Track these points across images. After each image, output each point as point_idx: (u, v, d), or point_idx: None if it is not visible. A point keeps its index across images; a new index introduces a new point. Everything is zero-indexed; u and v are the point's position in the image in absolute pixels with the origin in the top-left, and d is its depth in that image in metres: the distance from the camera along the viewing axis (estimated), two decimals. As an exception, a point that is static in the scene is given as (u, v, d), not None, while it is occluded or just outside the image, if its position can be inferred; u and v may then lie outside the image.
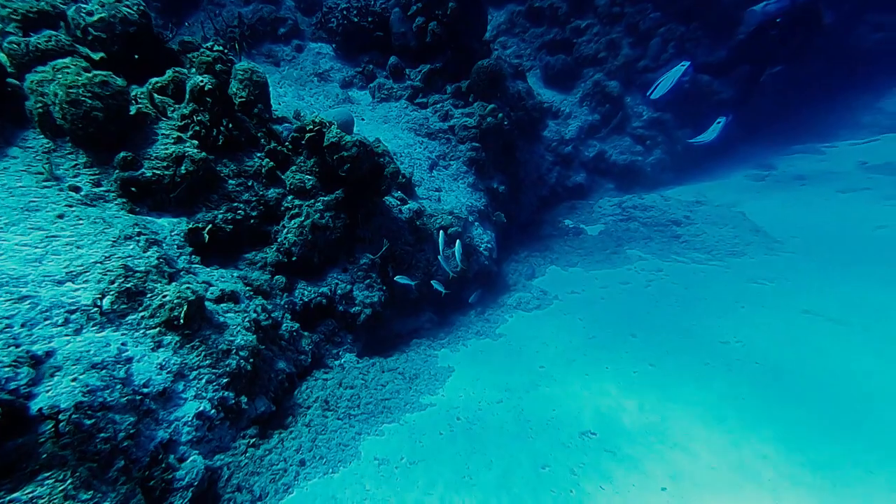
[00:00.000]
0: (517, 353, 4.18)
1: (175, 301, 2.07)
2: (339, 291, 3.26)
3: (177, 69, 2.97)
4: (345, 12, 4.50)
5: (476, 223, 5.36)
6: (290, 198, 3.27)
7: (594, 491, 2.42)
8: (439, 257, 4.07)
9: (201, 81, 2.72)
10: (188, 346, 2.12)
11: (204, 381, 2.10)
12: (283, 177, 3.26)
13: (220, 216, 2.81)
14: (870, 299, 4.54)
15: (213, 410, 2.08)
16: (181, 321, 2.07)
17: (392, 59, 4.87)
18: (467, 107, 5.67)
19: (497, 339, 4.48)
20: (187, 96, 2.77)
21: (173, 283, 2.20)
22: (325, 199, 3.34)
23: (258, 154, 3.19)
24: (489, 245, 5.36)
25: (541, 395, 3.42)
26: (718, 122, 7.80)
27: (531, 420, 3.07)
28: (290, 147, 3.32)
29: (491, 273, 5.47)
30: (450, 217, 4.83)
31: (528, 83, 7.52)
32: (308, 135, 3.18)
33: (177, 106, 2.84)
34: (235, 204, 2.94)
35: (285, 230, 3.22)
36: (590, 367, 3.82)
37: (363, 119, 4.55)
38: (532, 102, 7.44)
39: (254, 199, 3.06)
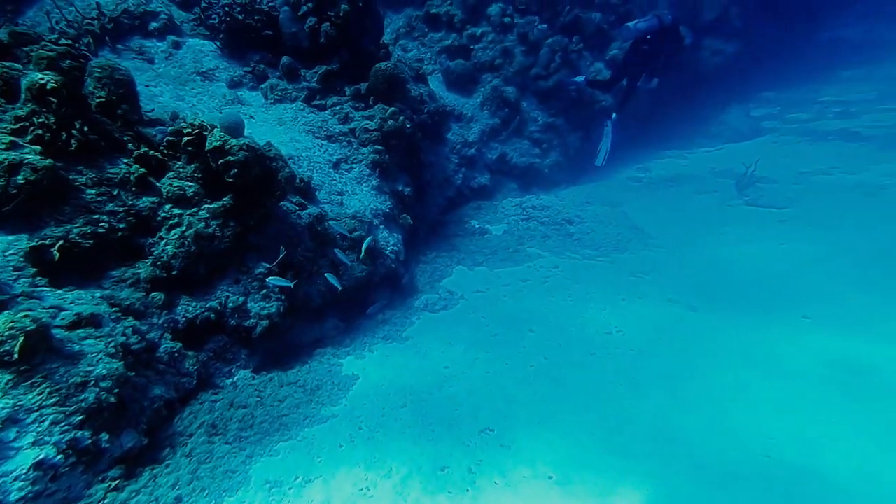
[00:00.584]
0: (423, 355, 4.23)
1: (5, 333, 1.79)
2: (230, 304, 3.05)
3: (6, 64, 2.57)
4: (227, 9, 4.19)
5: (381, 226, 5.32)
6: (167, 207, 2.99)
7: (488, 486, 2.52)
8: (335, 250, 3.99)
9: (41, 79, 2.38)
10: (25, 384, 1.84)
11: (48, 423, 1.84)
12: (157, 184, 2.98)
13: (76, 230, 2.49)
14: (719, 286, 5.22)
15: (58, 456, 1.83)
16: (14, 356, 1.79)
17: (285, 60, 4.65)
18: (368, 109, 5.60)
19: (404, 342, 4.49)
20: (23, 95, 2.41)
21: (4, 313, 1.90)
22: (212, 206, 3.11)
23: (125, 160, 2.87)
24: (395, 248, 5.35)
25: (445, 395, 3.49)
26: (606, 126, 8.56)
27: (434, 423, 3.12)
28: (165, 152, 3.04)
29: (398, 275, 5.46)
30: (353, 221, 4.74)
31: (430, 86, 7.61)
32: (186, 138, 2.94)
33: (9, 107, 2.46)
34: (97, 216, 2.63)
35: (163, 242, 2.95)
36: (491, 364, 3.97)
37: (254, 120, 4.30)
38: (435, 105, 7.54)
39: (121, 209, 2.75)
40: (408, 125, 6.14)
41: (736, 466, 2.76)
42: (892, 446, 2.88)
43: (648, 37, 7.74)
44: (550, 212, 7.71)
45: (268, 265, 3.39)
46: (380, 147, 5.52)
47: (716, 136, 10.34)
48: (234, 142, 2.96)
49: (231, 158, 2.95)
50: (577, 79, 8.58)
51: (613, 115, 8.53)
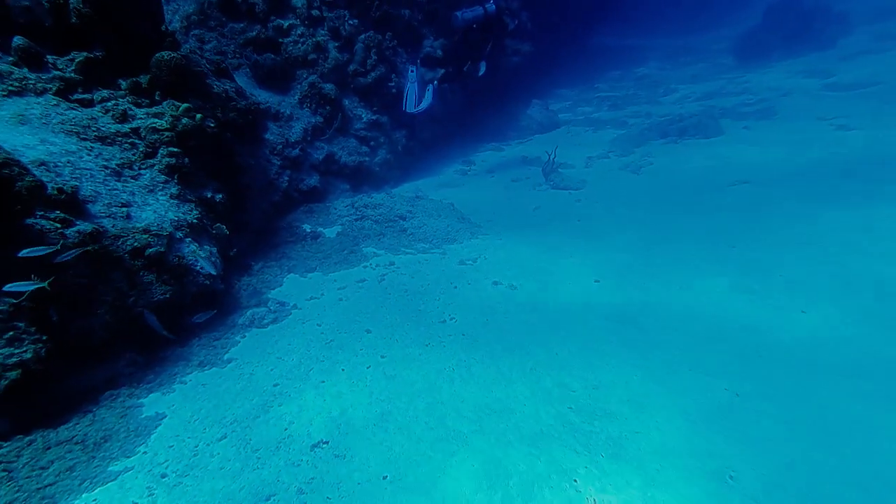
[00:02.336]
0: (249, 376, 3.82)
1: None
2: (-55, 364, 2.28)
3: None
4: None
5: (188, 239, 4.64)
6: None
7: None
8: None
9: None
10: None
11: None
12: None
13: None
14: (534, 265, 5.82)
15: None
16: None
17: (19, 41, 3.65)
18: (155, 105, 4.83)
19: (226, 365, 4.01)
20: None
21: None
22: None
23: None
24: (206, 262, 4.72)
25: (273, 416, 3.19)
26: (411, 72, 8.77)
27: (259, 448, 2.81)
28: None
29: (216, 292, 4.86)
30: (145, 236, 4.03)
31: (236, 82, 6.93)
32: None
33: None
34: None
35: None
36: (325, 373, 3.77)
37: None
38: (245, 103, 6.89)
39: None
40: (210, 124, 5.49)
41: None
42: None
43: (475, 25, 8.26)
44: (383, 209, 7.72)
45: (13, 300, 2.65)
46: (175, 149, 4.80)
47: (524, 129, 11.57)
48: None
49: (-76, 167, 2.20)
50: (410, 69, 8.65)
51: (435, 82, 8.79)
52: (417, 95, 8.70)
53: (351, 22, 8.21)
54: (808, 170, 7.62)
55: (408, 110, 8.71)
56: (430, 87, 8.78)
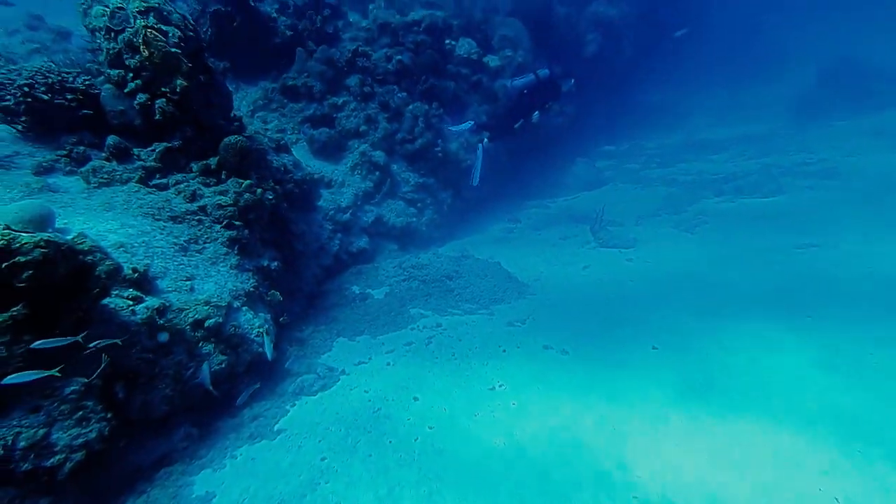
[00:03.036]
0: (297, 449, 3.81)
1: None
2: (20, 444, 2.43)
3: None
4: (26, 89, 3.65)
5: (244, 308, 4.86)
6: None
7: None
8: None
9: None
10: None
11: None
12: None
13: None
14: (587, 332, 5.60)
15: None
16: None
17: (112, 139, 4.16)
18: (220, 184, 5.25)
19: (275, 437, 4.03)
20: None
21: None
22: (-3, 320, 2.53)
23: None
24: (262, 329, 4.90)
25: (319, 496, 3.13)
26: (478, 149, 9.42)
27: (304, 534, 2.75)
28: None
29: (268, 362, 4.99)
30: (206, 308, 4.25)
31: (293, 156, 7.46)
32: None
33: None
34: None
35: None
36: (373, 447, 3.70)
37: (72, 208, 3.72)
38: (301, 174, 7.38)
39: None
40: (269, 196, 5.88)
41: None
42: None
43: (525, 91, 8.99)
44: (430, 269, 7.80)
45: (84, 380, 2.83)
46: (237, 222, 5.15)
47: (570, 186, 11.57)
48: (25, 238, 2.49)
49: (22, 259, 2.46)
50: (464, 125, 9.27)
51: (485, 139, 9.41)
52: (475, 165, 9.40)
53: (399, 95, 8.75)
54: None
55: (474, 184, 9.42)
56: (480, 146, 9.30)
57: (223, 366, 4.17)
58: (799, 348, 4.76)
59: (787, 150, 12.77)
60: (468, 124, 9.42)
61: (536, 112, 9.30)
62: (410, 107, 8.83)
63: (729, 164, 12.02)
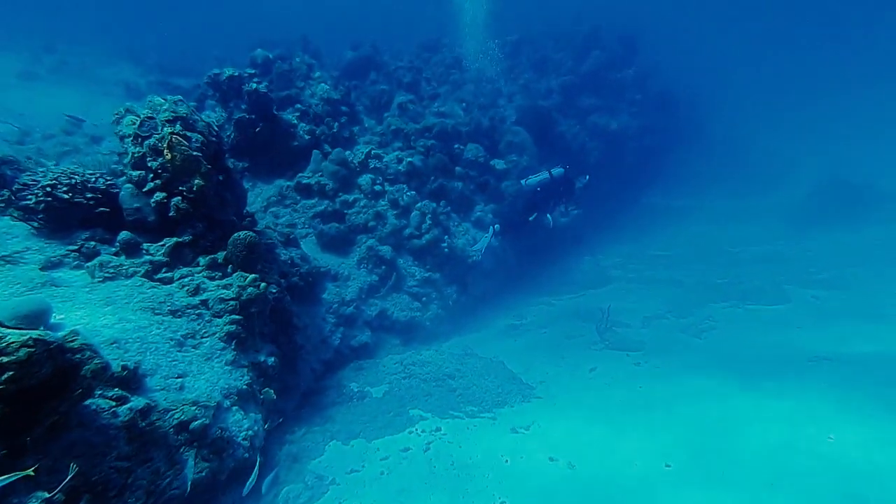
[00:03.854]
0: (272, 578, 3.40)
1: None
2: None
3: None
4: (49, 189, 3.89)
5: (234, 407, 4.64)
6: None
7: None
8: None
9: None
10: None
11: None
12: None
13: None
14: (594, 438, 5.26)
15: None
16: None
17: (124, 235, 4.31)
18: (225, 278, 5.30)
19: (250, 561, 3.63)
20: None
21: None
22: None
23: None
24: (251, 432, 4.63)
25: None
26: (490, 229, 9.93)
27: None
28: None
29: (254, 466, 4.66)
30: (193, 409, 4.06)
31: (302, 249, 7.63)
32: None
33: None
34: None
35: None
36: (355, 578, 3.30)
37: (72, 303, 3.74)
38: (308, 267, 7.48)
39: None
40: (273, 290, 5.90)
41: None
42: None
43: (538, 189, 9.80)
44: (431, 367, 7.56)
45: (46, 494, 2.62)
46: (237, 317, 5.11)
47: (576, 283, 11.57)
48: (13, 336, 2.45)
49: (5, 360, 2.41)
50: (485, 238, 9.90)
51: (497, 225, 10.02)
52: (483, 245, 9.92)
53: (409, 193, 9.14)
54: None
55: (475, 259, 9.88)
56: (491, 228, 9.87)
57: (204, 474, 3.88)
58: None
59: (786, 258, 13.09)
60: (487, 235, 9.92)
61: (549, 216, 9.81)
62: (419, 204, 9.18)
63: (732, 268, 12.13)
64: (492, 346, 8.43)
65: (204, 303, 4.93)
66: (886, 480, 4.21)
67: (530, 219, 9.83)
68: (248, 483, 4.02)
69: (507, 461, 5.00)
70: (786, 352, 7.14)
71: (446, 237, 9.66)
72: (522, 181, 9.97)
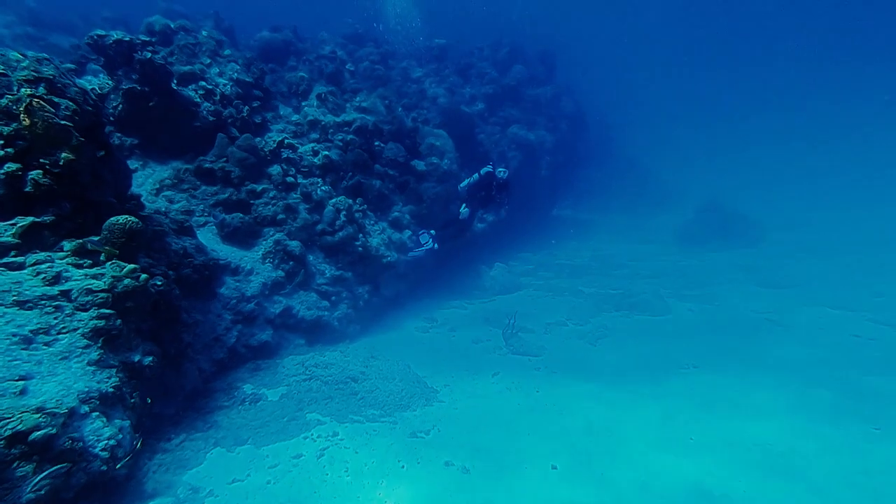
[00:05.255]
0: None
1: None
2: None
3: None
4: None
5: (94, 413, 4.09)
6: None
7: None
8: None
9: None
10: None
11: None
12: None
13: None
14: (491, 442, 5.37)
15: None
16: None
17: (-44, 208, 3.63)
18: (97, 266, 4.68)
19: (98, 588, 3.20)
20: None
21: None
22: None
23: None
24: (112, 441, 4.11)
25: None
26: (428, 234, 10.09)
27: None
28: None
29: (113, 479, 4.15)
30: (35, 417, 3.51)
31: (197, 239, 7.01)
32: None
33: None
34: None
35: None
36: None
37: None
38: (203, 259, 6.89)
39: None
40: (157, 283, 5.34)
41: None
42: None
43: (474, 187, 10.05)
44: (335, 369, 7.29)
45: None
46: (108, 311, 4.53)
47: (488, 289, 11.87)
48: None
49: None
50: (422, 246, 10.12)
51: (432, 231, 10.33)
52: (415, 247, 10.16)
53: (324, 188, 8.77)
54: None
55: (412, 256, 10.14)
56: (427, 235, 10.09)
57: (43, 492, 3.36)
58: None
59: (669, 272, 14.66)
60: (426, 242, 10.05)
61: (466, 208, 10.08)
62: (334, 200, 8.84)
63: (626, 280, 13.24)
64: (400, 349, 8.35)
65: (65, 293, 4.30)
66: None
67: (478, 214, 10.15)
68: None
69: (402, 466, 4.94)
70: (662, 359, 7.89)
71: (361, 235, 9.40)
72: (460, 186, 10.26)
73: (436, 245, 10.07)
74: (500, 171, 9.95)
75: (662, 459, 5.06)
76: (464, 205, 10.16)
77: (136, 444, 4.33)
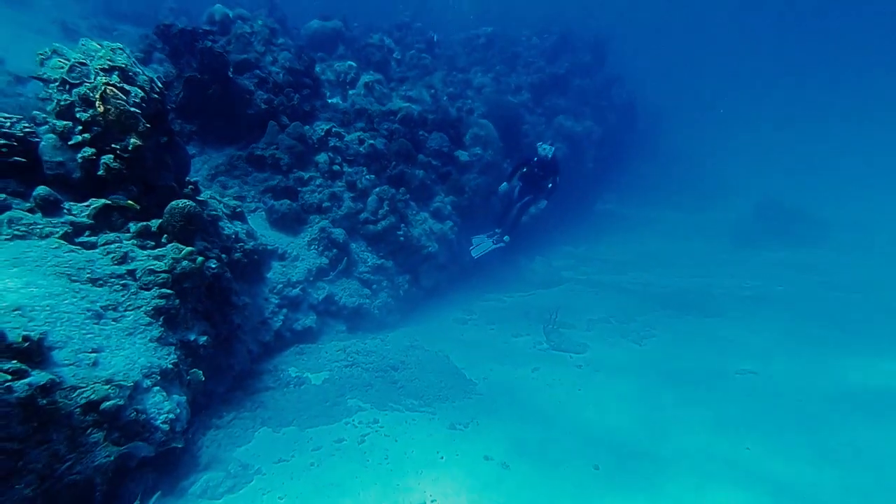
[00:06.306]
0: (181, 574, 3.19)
1: None
2: None
3: None
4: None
5: (156, 388, 4.31)
6: None
7: None
8: None
9: None
10: None
11: None
12: None
13: None
14: (531, 442, 5.30)
15: None
16: None
17: (41, 189, 3.85)
18: (158, 248, 4.91)
19: (161, 553, 3.39)
20: None
21: None
22: None
23: None
24: (171, 415, 4.31)
25: None
26: (502, 240, 10.33)
27: None
28: None
29: (174, 451, 4.37)
30: (106, 388, 3.73)
31: (248, 224, 7.23)
32: None
33: None
34: None
35: None
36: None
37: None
38: (253, 244, 7.11)
39: None
40: (212, 265, 5.55)
41: None
42: None
43: (532, 170, 9.91)
44: (375, 357, 7.40)
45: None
46: (168, 291, 4.74)
47: (527, 282, 11.71)
48: None
49: None
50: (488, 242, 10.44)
51: (507, 237, 10.53)
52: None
53: (368, 177, 8.85)
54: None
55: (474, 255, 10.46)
56: (500, 238, 10.22)
57: (111, 458, 3.57)
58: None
59: (723, 272, 13.86)
60: (492, 240, 10.33)
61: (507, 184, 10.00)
62: (378, 189, 8.92)
63: (675, 278, 12.68)
64: (438, 340, 8.37)
65: (131, 273, 4.53)
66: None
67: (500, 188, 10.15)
68: None
69: (442, 458, 4.96)
70: (715, 363, 7.53)
71: (403, 225, 9.46)
72: (500, 188, 10.26)
73: (507, 238, 10.02)
74: (542, 148, 9.32)
75: (713, 469, 4.86)
76: (505, 183, 10.06)
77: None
